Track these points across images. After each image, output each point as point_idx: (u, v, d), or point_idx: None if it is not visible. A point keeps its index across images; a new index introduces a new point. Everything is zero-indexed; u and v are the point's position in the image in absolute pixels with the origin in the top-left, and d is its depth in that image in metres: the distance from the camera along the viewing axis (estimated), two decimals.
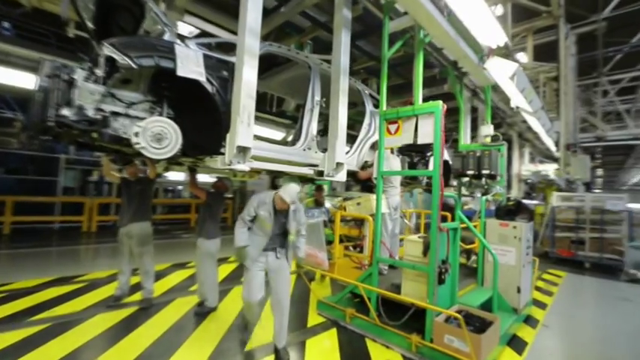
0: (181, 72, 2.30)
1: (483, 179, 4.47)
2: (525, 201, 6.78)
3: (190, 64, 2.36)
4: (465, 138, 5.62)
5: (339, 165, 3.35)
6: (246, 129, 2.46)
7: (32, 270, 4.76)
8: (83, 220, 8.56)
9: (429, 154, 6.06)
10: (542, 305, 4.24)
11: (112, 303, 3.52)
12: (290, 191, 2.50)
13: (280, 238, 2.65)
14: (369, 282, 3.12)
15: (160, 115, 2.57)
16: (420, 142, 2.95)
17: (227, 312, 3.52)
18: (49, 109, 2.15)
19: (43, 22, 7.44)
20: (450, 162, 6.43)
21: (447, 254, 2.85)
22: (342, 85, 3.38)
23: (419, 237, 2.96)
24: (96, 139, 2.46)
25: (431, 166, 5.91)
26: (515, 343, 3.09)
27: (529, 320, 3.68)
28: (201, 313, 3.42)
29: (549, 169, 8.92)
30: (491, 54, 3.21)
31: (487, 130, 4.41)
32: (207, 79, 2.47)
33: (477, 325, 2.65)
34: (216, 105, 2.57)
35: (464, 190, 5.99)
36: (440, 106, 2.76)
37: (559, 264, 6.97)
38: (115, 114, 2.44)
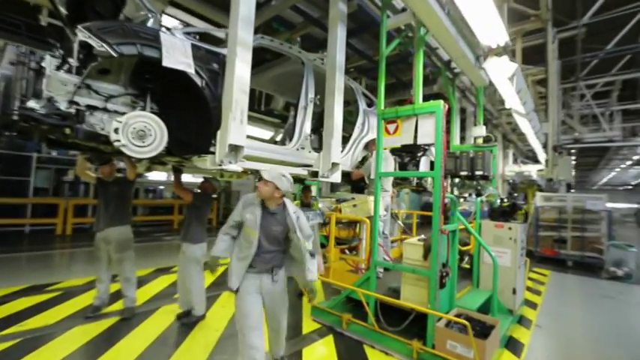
0: (167, 62, 2.10)
1: (476, 180, 4.49)
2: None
3: (177, 54, 2.16)
4: (455, 139, 5.66)
5: (334, 165, 3.23)
6: (239, 126, 2.29)
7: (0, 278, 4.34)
8: (57, 223, 8.03)
9: (419, 154, 6.08)
10: (532, 305, 4.30)
11: (91, 314, 3.23)
12: (272, 172, 2.01)
13: (276, 255, 2.08)
14: (366, 286, 3.01)
15: (143, 110, 2.35)
16: (420, 142, 2.88)
17: (216, 320, 3.32)
18: (12, 101, 1.90)
19: (11, 10, 6.87)
20: None
21: (447, 257, 2.79)
22: (338, 82, 3.26)
23: (419, 240, 2.89)
24: (69, 136, 2.21)
25: (422, 167, 5.94)
26: (513, 344, 3.08)
27: (522, 321, 3.70)
28: (189, 322, 3.21)
29: (532, 170, 9.20)
30: (490, 54, 3.19)
31: (479, 131, 4.43)
32: (196, 72, 2.28)
33: (478, 329, 2.60)
34: (205, 100, 2.38)
35: (455, 192, 6.03)
36: (441, 105, 2.70)
37: (543, 262, 7.17)
38: (92, 108, 2.21)
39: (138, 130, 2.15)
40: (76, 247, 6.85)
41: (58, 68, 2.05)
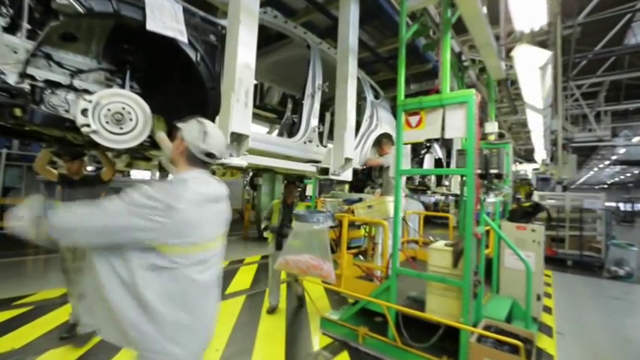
0: (152, 26, 1.65)
1: (489, 179, 4.25)
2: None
3: (165, 18, 1.72)
4: None
5: (347, 161, 2.85)
6: (243, 110, 1.87)
7: None
8: None
9: (422, 151, 5.82)
10: (546, 309, 4.09)
11: (66, 334, 2.69)
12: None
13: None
14: (385, 296, 2.67)
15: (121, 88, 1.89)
16: (447, 136, 2.56)
17: (215, 335, 2.87)
18: None
19: None
20: (443, 160, 6.24)
21: (477, 264, 2.48)
22: (351, 67, 2.90)
23: (446, 245, 2.56)
24: (22, 121, 1.72)
25: (426, 165, 5.64)
26: (541, 356, 2.82)
27: (542, 327, 3.48)
28: None
29: (528, 169, 9.23)
30: (523, 40, 2.91)
31: (492, 127, 4.17)
32: (190, 42, 1.84)
33: (511, 344, 2.30)
34: (200, 78, 1.94)
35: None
36: (473, 94, 2.38)
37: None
38: (53, 84, 1.73)
39: (114, 113, 1.69)
40: (52, 252, 6.09)
41: (5, 30, 1.56)
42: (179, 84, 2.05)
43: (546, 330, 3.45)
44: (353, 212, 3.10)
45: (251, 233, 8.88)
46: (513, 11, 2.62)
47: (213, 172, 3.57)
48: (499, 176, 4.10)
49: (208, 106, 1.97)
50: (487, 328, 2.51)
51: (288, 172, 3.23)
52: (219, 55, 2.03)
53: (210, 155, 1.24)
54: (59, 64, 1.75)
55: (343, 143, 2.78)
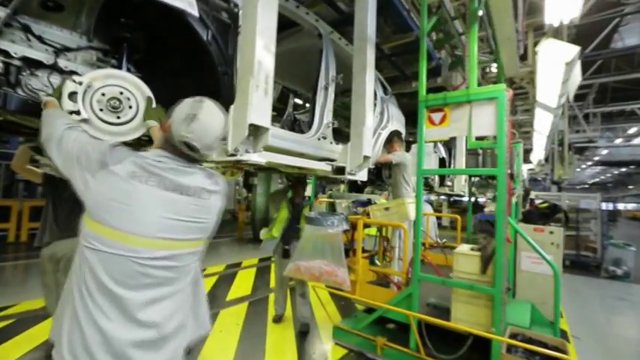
0: None
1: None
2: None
3: None
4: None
5: (365, 159, 2.64)
6: (263, 99, 1.63)
7: None
8: (9, 228, 6.70)
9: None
10: None
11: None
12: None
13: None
14: (407, 304, 2.48)
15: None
16: (475, 134, 2.40)
17: (218, 350, 2.61)
18: None
19: None
20: (447, 159, 6.15)
21: (505, 268, 2.33)
22: (369, 57, 2.68)
23: (472, 249, 2.40)
24: None
25: (431, 164, 5.51)
26: None
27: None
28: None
29: (524, 169, 9.31)
30: (548, 35, 2.78)
31: None
32: (200, 17, 1.58)
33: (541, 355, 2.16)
34: (211, 61, 1.68)
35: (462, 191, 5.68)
36: (504, 90, 2.22)
37: None
38: (33, 63, 1.43)
39: (109, 99, 1.41)
40: (33, 257, 5.59)
41: None
42: (186, 68, 1.78)
43: (562, 334, 3.36)
44: (368, 215, 2.91)
45: (245, 234, 8.57)
46: (547, 2, 2.48)
47: (223, 173, 3.29)
48: (510, 176, 4.00)
49: (220, 93, 1.71)
50: (513, 336, 2.36)
51: (299, 171, 2.99)
52: (233, 36, 1.78)
53: (188, 145, 0.99)
54: (40, 39, 1.45)
55: (362, 140, 2.56)
